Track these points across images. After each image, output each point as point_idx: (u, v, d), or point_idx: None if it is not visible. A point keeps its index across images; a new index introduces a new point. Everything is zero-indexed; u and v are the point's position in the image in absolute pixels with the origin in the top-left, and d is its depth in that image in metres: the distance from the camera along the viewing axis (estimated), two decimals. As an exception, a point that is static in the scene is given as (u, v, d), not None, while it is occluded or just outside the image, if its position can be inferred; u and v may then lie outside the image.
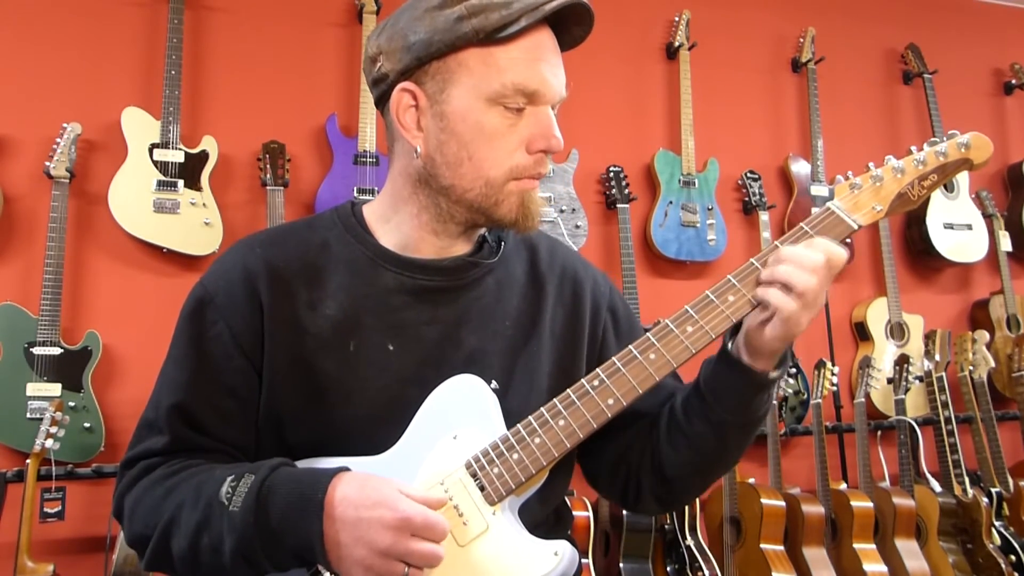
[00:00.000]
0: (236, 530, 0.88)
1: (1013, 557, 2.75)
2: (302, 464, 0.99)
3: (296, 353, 1.01)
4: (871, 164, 1.01)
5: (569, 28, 1.00)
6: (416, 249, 1.06)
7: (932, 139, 1.01)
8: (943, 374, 3.05)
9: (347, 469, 0.92)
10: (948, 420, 2.96)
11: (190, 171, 2.59)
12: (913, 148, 1.01)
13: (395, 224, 1.07)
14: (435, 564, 0.87)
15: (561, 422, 0.95)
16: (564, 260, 1.17)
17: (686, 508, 2.67)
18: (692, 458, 1.05)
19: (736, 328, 0.98)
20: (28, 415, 2.33)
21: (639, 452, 1.10)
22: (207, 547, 0.90)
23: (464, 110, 0.97)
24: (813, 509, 2.71)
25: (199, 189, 2.59)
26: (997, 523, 2.85)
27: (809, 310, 0.93)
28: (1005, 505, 2.92)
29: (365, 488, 0.88)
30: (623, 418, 0.98)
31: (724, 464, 1.09)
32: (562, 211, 2.92)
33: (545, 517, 1.08)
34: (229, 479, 0.91)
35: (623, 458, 1.12)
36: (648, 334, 0.97)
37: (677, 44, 3.24)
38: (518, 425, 0.96)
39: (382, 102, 1.03)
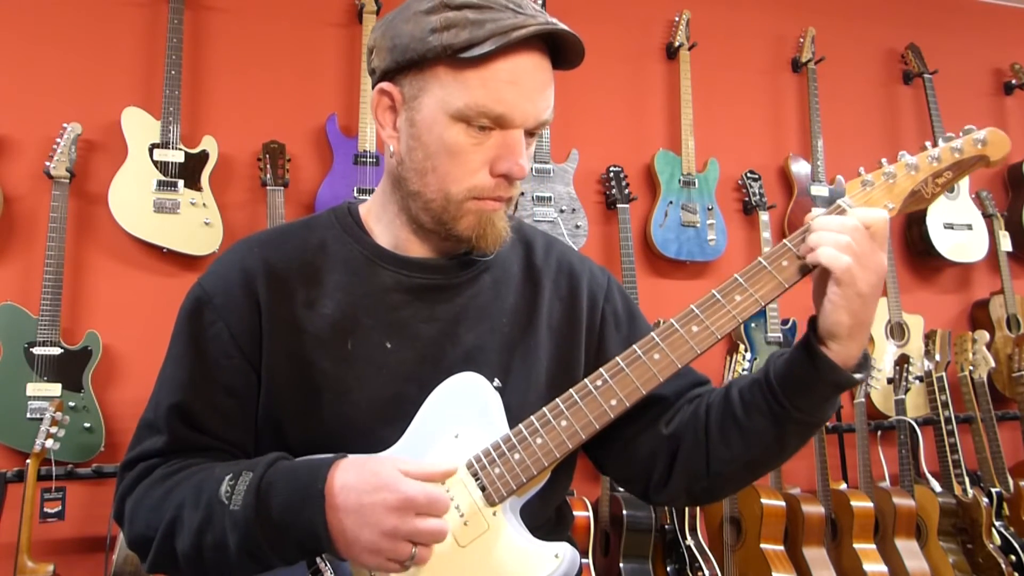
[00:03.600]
0: (239, 528, 0.88)
1: (1013, 557, 2.75)
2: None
3: (294, 352, 1.01)
4: (883, 160, 0.98)
5: (563, 54, 0.98)
6: (406, 249, 1.06)
7: (947, 135, 0.98)
8: (943, 374, 3.05)
9: (345, 456, 0.92)
10: (948, 420, 2.96)
11: (190, 171, 2.59)
12: (927, 144, 0.99)
13: (386, 223, 1.07)
14: (441, 539, 0.87)
15: (563, 422, 0.94)
16: (560, 255, 1.17)
17: (686, 508, 2.67)
18: (744, 455, 1.01)
19: (814, 326, 0.95)
20: (28, 415, 2.33)
21: (655, 445, 1.07)
22: (211, 546, 0.90)
23: (431, 121, 0.96)
24: (813, 509, 2.71)
25: (199, 189, 2.59)
26: (997, 523, 2.85)
27: (864, 268, 0.89)
28: (1005, 505, 2.92)
29: (364, 472, 0.88)
30: (641, 405, 0.96)
31: (775, 463, 1.04)
32: (562, 211, 2.92)
33: (547, 517, 1.08)
34: (227, 478, 0.91)
35: (642, 447, 1.08)
36: (652, 334, 0.96)
37: (677, 44, 3.24)
38: (520, 425, 0.95)
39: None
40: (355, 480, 0.87)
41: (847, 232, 0.90)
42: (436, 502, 0.87)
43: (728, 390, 1.04)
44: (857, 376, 0.95)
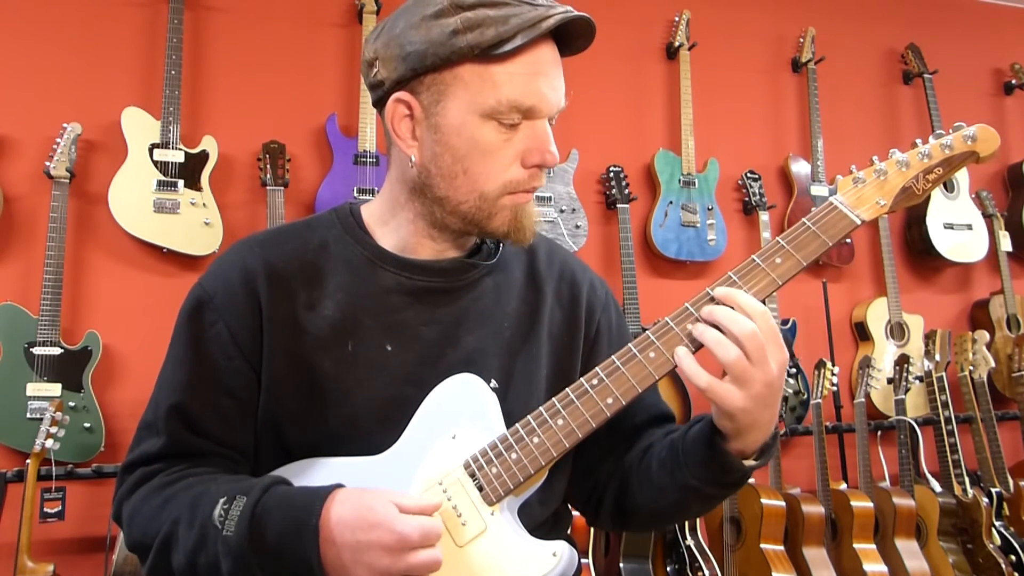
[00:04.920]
0: (231, 554, 0.88)
1: (1013, 557, 2.75)
2: (301, 465, 0.99)
3: (295, 353, 1.00)
4: (875, 158, 0.99)
5: (571, 39, 0.99)
6: (414, 251, 1.06)
7: (937, 132, 0.99)
8: (943, 374, 3.05)
9: (341, 486, 0.91)
10: (948, 420, 2.95)
11: (190, 171, 2.59)
12: (918, 141, 0.99)
13: (393, 227, 1.07)
14: (436, 569, 0.87)
15: (560, 421, 0.94)
16: (562, 262, 1.17)
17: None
18: (650, 504, 1.05)
19: None
20: (28, 415, 2.34)
21: (607, 473, 1.11)
22: (205, 566, 0.90)
23: (459, 124, 0.96)
24: (813, 509, 2.71)
25: (199, 189, 2.59)
26: (997, 523, 2.84)
27: (759, 367, 0.88)
28: (1005, 505, 2.92)
29: (360, 508, 0.87)
30: (597, 433, 0.97)
31: (680, 518, 1.09)
32: (562, 211, 2.92)
33: (544, 519, 1.08)
34: (222, 501, 0.90)
35: (591, 472, 1.13)
36: (648, 332, 0.96)
37: (677, 44, 3.24)
38: (517, 425, 0.95)
39: (379, 105, 1.03)
40: (351, 516, 0.87)
41: (731, 346, 0.89)
42: (430, 535, 0.86)
43: (655, 442, 1.07)
44: (752, 463, 0.96)
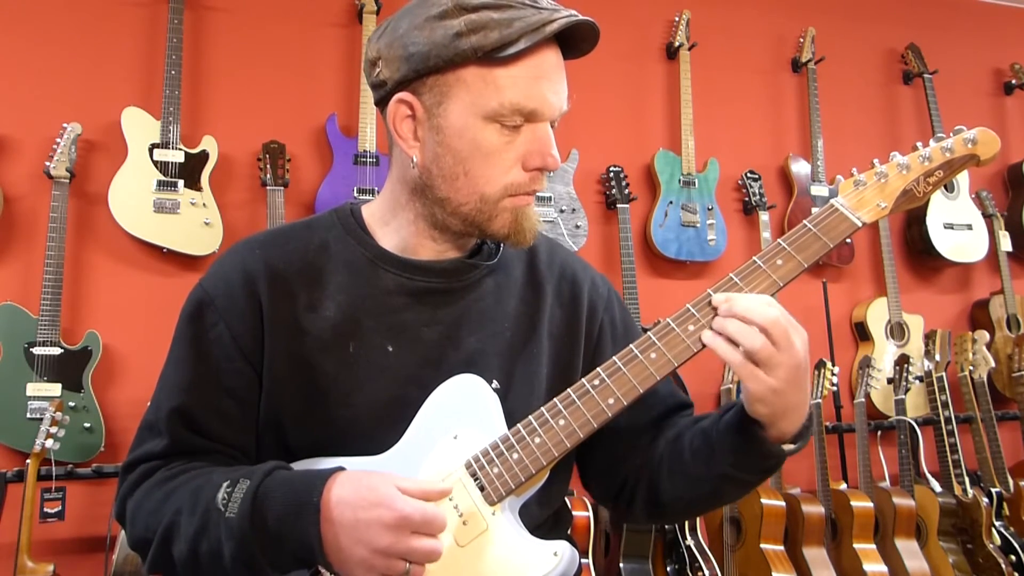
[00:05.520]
0: (234, 536, 0.88)
1: (1013, 557, 2.75)
2: (302, 465, 0.99)
3: (296, 354, 1.00)
4: (876, 161, 0.99)
5: (575, 43, 0.99)
6: (415, 251, 1.06)
7: (938, 135, 0.99)
8: (943, 374, 3.05)
9: (342, 469, 0.92)
10: (948, 420, 2.95)
11: (190, 171, 2.59)
12: (919, 144, 1.00)
13: (394, 227, 1.07)
14: (435, 559, 0.87)
15: (561, 421, 0.94)
16: (563, 261, 1.17)
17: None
18: (686, 495, 1.06)
19: None
20: (28, 415, 2.34)
21: (635, 467, 1.11)
22: (207, 553, 0.90)
23: (460, 126, 0.96)
24: (813, 509, 2.71)
25: (199, 189, 2.59)
26: (997, 523, 2.85)
27: (774, 369, 0.89)
28: (1005, 505, 2.92)
29: (361, 488, 0.87)
30: (617, 428, 0.98)
31: (717, 505, 1.08)
32: (562, 211, 2.92)
33: (544, 519, 1.08)
34: (225, 485, 0.91)
35: (617, 468, 1.12)
36: (649, 333, 0.96)
37: (677, 44, 3.24)
38: (518, 425, 0.95)
39: (381, 105, 1.03)
40: (351, 495, 0.87)
41: (749, 337, 0.89)
42: (432, 521, 0.86)
43: (683, 432, 1.07)
44: (790, 447, 0.96)
